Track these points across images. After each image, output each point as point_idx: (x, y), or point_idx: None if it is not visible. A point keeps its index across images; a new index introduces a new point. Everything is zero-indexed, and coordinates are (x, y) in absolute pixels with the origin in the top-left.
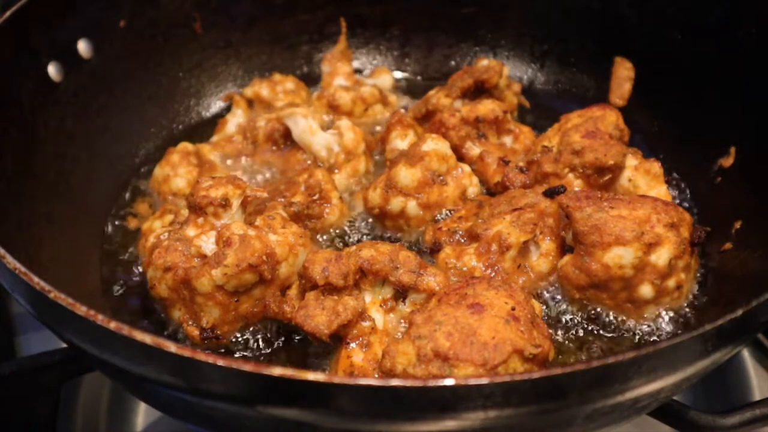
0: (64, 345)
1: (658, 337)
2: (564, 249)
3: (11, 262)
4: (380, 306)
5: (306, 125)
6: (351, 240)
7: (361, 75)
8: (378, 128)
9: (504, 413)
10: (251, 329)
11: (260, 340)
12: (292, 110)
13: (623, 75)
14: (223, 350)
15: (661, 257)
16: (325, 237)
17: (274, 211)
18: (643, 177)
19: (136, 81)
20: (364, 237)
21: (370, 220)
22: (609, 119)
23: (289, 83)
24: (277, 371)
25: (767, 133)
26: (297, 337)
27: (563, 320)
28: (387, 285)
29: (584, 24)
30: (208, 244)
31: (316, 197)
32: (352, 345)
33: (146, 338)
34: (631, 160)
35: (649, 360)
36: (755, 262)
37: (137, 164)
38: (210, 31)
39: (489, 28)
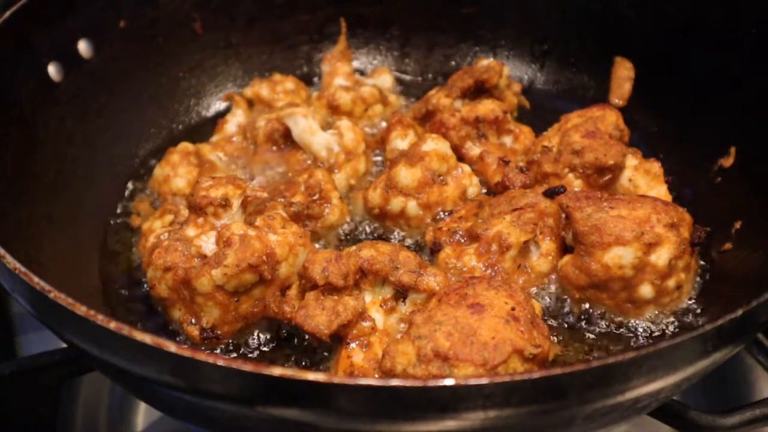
0: (64, 345)
1: (658, 337)
2: (564, 249)
3: (11, 262)
4: (380, 306)
5: (306, 125)
6: (351, 240)
7: (361, 75)
8: (378, 128)
9: (504, 413)
10: (251, 329)
11: (260, 340)
12: (292, 110)
13: (623, 75)
14: (222, 350)
15: (661, 257)
16: (325, 237)
17: (274, 211)
18: (643, 177)
19: (136, 81)
20: (364, 237)
21: (370, 220)
22: (609, 119)
23: (289, 83)
24: (277, 371)
25: (767, 133)
26: (296, 337)
27: (563, 320)
28: (387, 285)
29: (584, 24)
30: (208, 244)
31: (316, 197)
32: (352, 345)
33: (146, 338)
34: (631, 160)
35: (649, 360)
36: (755, 262)
37: (137, 164)
38: (210, 31)
39: (489, 28)
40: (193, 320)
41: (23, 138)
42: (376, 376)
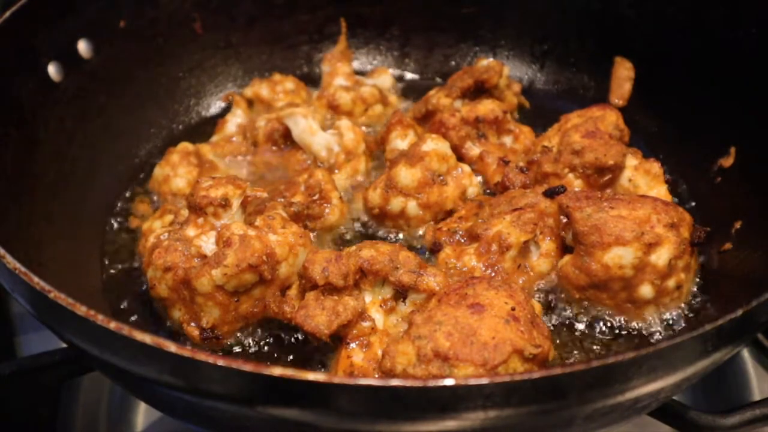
0: (64, 345)
1: (658, 337)
2: (564, 249)
3: (11, 262)
4: (380, 306)
5: (306, 125)
6: (351, 240)
7: (361, 75)
8: (378, 128)
9: (504, 413)
10: (251, 329)
11: (260, 340)
12: (292, 110)
13: (623, 75)
14: (223, 350)
15: (661, 257)
16: (325, 237)
17: (274, 211)
18: (643, 177)
19: (136, 81)
20: (364, 237)
21: (370, 220)
22: (609, 119)
23: (289, 83)
24: (277, 371)
25: (767, 133)
26: (296, 337)
27: (563, 320)
28: (387, 285)
29: (584, 24)
30: (208, 244)
31: (316, 197)
32: (352, 345)
33: (146, 338)
34: (631, 160)
35: (649, 360)
36: (755, 262)
37: (137, 164)
38: (210, 31)
39: (489, 28)
40: (193, 321)
41: (23, 138)
42: (376, 376)
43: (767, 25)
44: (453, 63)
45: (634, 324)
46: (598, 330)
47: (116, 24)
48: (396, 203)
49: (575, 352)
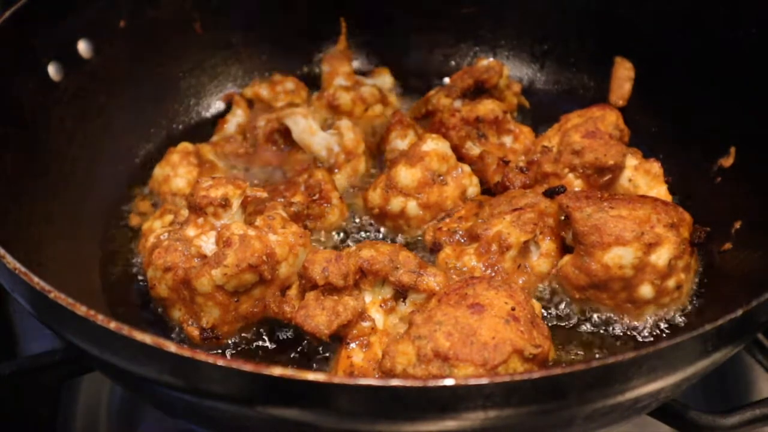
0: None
1: (657, 337)
2: (564, 249)
3: (11, 262)
4: (380, 306)
5: (306, 125)
6: (351, 240)
7: (361, 75)
8: (378, 128)
9: (504, 413)
10: (251, 329)
11: (260, 340)
12: (292, 110)
13: (623, 75)
14: (223, 350)
15: (661, 257)
16: (325, 237)
17: (274, 211)
18: (643, 177)
19: (136, 81)
20: (364, 237)
21: (370, 220)
22: (609, 119)
23: (289, 83)
24: (277, 371)
25: (767, 133)
26: (296, 337)
27: (563, 320)
28: (387, 285)
29: (584, 24)
30: (208, 244)
31: (316, 197)
32: (352, 345)
33: (146, 338)
34: (631, 160)
35: (649, 360)
36: (755, 262)
37: (137, 164)
38: (210, 31)
39: (489, 28)
40: (193, 320)
41: (23, 138)
42: (377, 376)
43: (767, 25)
44: (453, 63)
45: (633, 324)
46: (597, 330)
47: (116, 24)
48: (396, 203)
49: (575, 351)
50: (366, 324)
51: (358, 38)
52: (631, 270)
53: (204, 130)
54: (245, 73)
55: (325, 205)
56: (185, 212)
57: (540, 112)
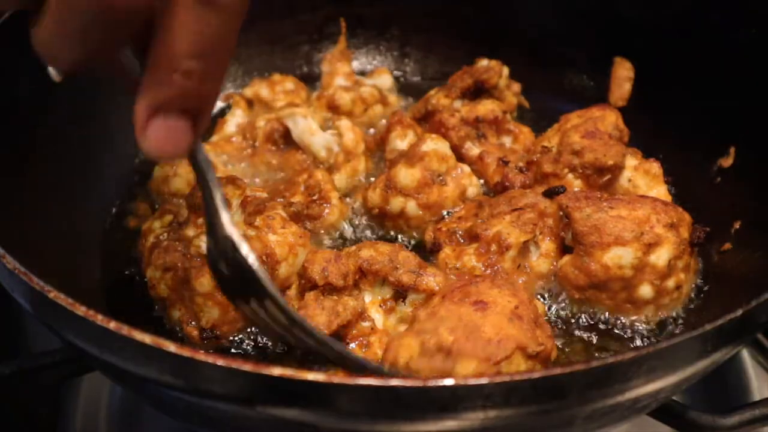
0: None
1: (657, 337)
2: (564, 249)
3: (11, 262)
4: (380, 306)
5: (306, 125)
6: (351, 240)
7: (361, 75)
8: (378, 128)
9: (504, 413)
10: (251, 329)
11: (260, 340)
12: (291, 110)
13: (623, 75)
14: (222, 350)
15: (660, 257)
16: (324, 237)
17: (273, 211)
18: (643, 177)
19: (137, 81)
20: (364, 237)
21: (369, 220)
22: (609, 119)
23: (289, 83)
24: (276, 371)
25: (767, 133)
26: None
27: (563, 320)
28: (386, 285)
29: (584, 24)
30: None
31: (315, 197)
32: (352, 345)
33: (146, 338)
34: (631, 161)
35: (649, 360)
36: (755, 262)
37: (137, 164)
38: None
39: (489, 28)
40: (193, 320)
41: (23, 138)
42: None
43: (767, 25)
44: (453, 63)
45: (633, 324)
46: (597, 330)
47: None
48: (396, 203)
49: (575, 352)
50: (366, 324)
51: (358, 38)
52: (630, 270)
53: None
54: (245, 73)
55: (325, 205)
56: (185, 212)
57: (540, 112)
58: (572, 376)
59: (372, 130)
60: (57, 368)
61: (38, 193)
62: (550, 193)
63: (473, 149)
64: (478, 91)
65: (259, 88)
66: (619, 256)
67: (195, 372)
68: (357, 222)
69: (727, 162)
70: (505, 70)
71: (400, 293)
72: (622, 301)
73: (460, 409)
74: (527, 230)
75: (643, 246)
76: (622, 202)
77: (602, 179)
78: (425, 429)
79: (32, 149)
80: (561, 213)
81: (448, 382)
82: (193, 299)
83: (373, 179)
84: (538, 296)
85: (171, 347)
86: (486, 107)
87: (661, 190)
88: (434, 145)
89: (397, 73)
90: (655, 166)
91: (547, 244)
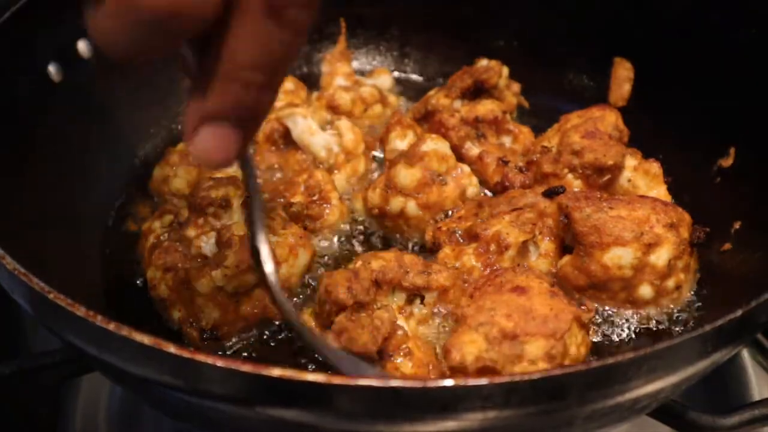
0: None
1: (657, 337)
2: (563, 249)
3: (11, 262)
4: (399, 314)
5: (305, 125)
6: (350, 240)
7: (361, 75)
8: (378, 128)
9: (504, 414)
10: (251, 330)
11: (260, 341)
12: (291, 110)
13: (623, 75)
14: (222, 351)
15: (660, 258)
16: (324, 238)
17: (273, 212)
18: (643, 177)
19: (137, 81)
20: (364, 238)
21: (370, 220)
22: (608, 120)
23: (289, 83)
24: (276, 372)
25: (767, 133)
26: (295, 338)
27: None
28: (398, 291)
29: (584, 24)
30: (208, 244)
31: (315, 198)
32: (398, 359)
33: (146, 339)
34: (631, 161)
35: (649, 360)
36: (755, 262)
37: (137, 164)
38: None
39: (489, 28)
40: (193, 321)
41: (23, 138)
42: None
43: (767, 25)
44: (453, 63)
45: (633, 324)
46: (597, 330)
47: None
48: (395, 203)
49: None
50: (400, 333)
51: (358, 38)
52: (630, 270)
53: None
54: None
55: (325, 205)
56: (185, 212)
57: (540, 112)
58: (572, 376)
59: (374, 129)
60: (57, 368)
61: (38, 193)
62: (550, 193)
63: (473, 149)
64: (478, 91)
65: None
66: (619, 257)
67: (194, 372)
68: (357, 222)
69: (727, 162)
70: (505, 70)
71: (414, 296)
72: (621, 302)
73: (460, 410)
74: (526, 230)
75: (642, 246)
76: (621, 202)
77: (602, 179)
78: (425, 429)
79: (32, 149)
80: (561, 213)
81: (449, 382)
82: (194, 300)
83: (372, 179)
84: None
85: (171, 348)
86: (486, 107)
87: (661, 191)
88: (434, 145)
89: (397, 73)
90: (655, 166)
91: (547, 244)
